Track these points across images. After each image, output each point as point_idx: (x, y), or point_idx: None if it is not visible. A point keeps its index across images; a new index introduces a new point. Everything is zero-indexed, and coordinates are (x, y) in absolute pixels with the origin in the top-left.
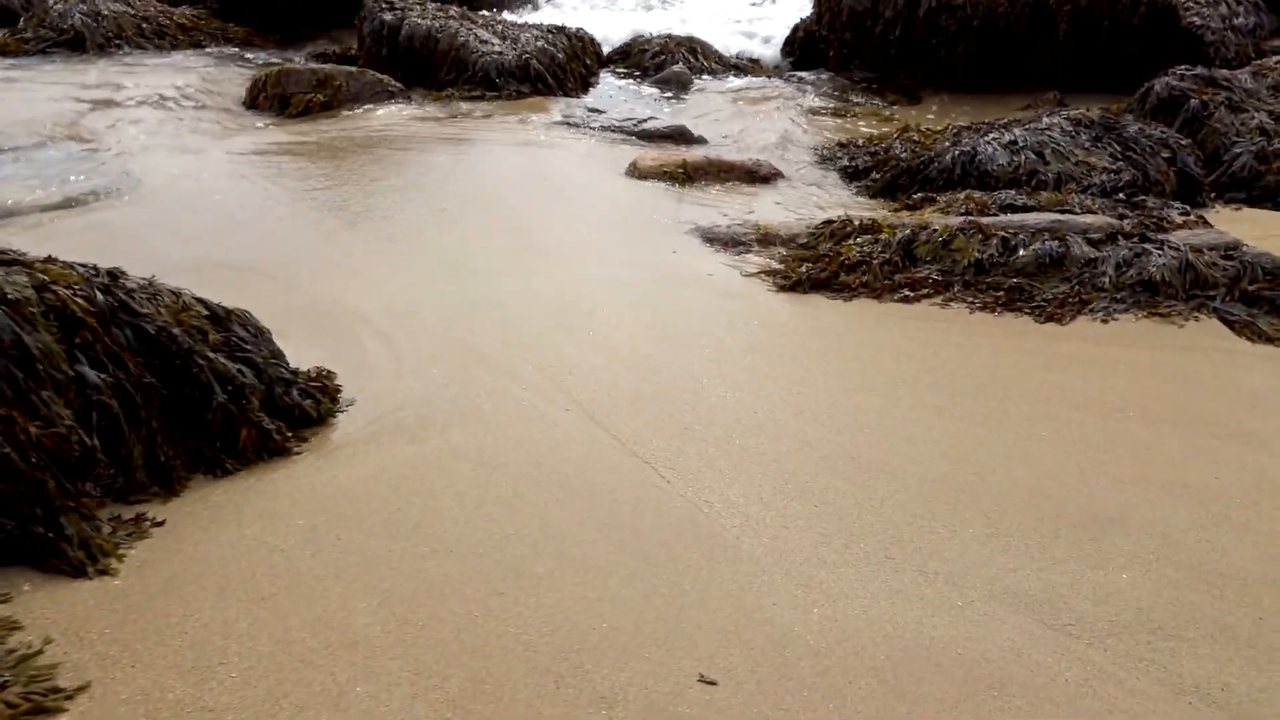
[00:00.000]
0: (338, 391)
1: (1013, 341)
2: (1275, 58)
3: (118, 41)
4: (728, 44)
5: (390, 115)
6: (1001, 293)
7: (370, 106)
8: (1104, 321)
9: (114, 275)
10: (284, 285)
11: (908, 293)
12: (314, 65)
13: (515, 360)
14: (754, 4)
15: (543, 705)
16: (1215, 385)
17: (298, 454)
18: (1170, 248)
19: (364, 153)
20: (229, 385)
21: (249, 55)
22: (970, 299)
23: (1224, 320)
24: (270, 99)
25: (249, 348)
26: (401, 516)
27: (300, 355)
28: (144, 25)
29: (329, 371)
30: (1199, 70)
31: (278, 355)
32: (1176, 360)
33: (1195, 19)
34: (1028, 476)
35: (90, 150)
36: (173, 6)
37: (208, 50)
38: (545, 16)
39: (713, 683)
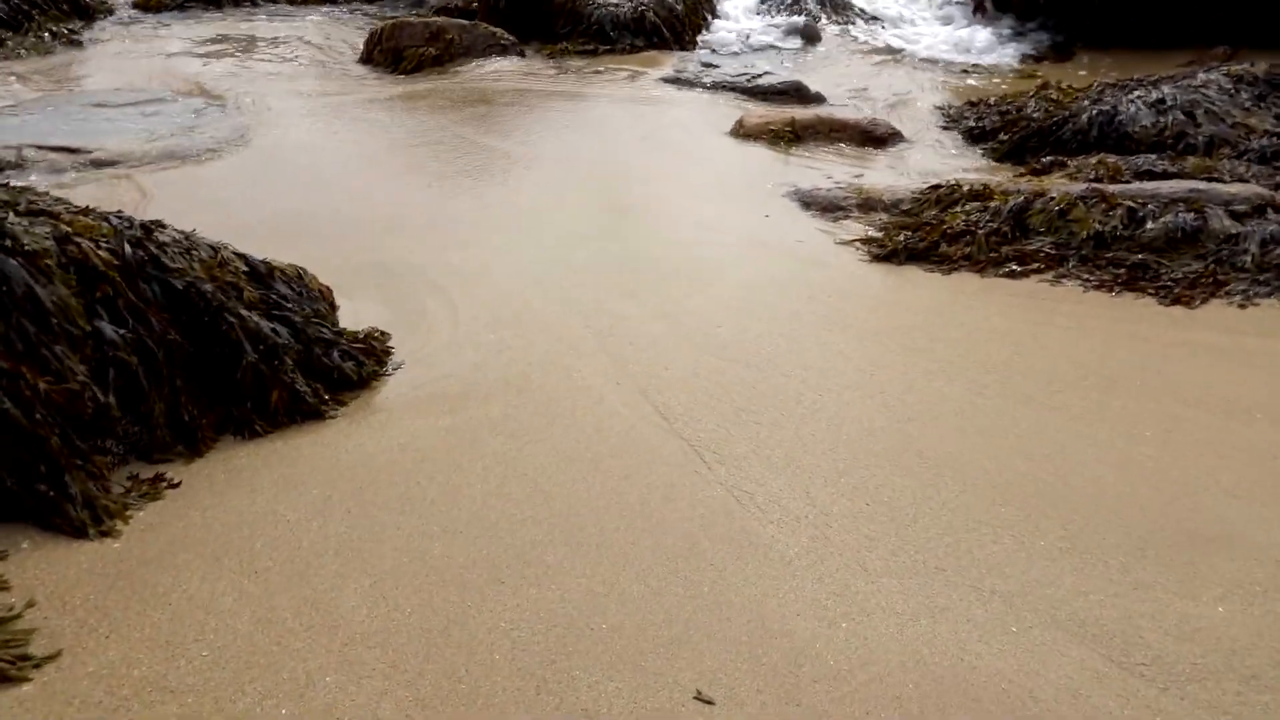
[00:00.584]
0: (387, 354)
1: (1128, 326)
2: None
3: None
4: None
5: (500, 70)
6: (1123, 270)
7: (482, 61)
8: (1241, 306)
9: (148, 229)
10: (363, 241)
11: (1015, 267)
12: (427, 18)
13: (576, 327)
14: None
15: (516, 713)
16: None
17: (332, 418)
18: None
19: (467, 108)
20: (260, 344)
21: (371, 9)
22: (1086, 276)
23: None
24: (385, 53)
25: (289, 306)
26: (419, 491)
27: (361, 314)
28: None
29: (381, 332)
30: None
31: (322, 315)
32: None
33: None
34: (1120, 482)
35: (210, 104)
36: None
37: (336, 5)
38: None
39: (709, 702)
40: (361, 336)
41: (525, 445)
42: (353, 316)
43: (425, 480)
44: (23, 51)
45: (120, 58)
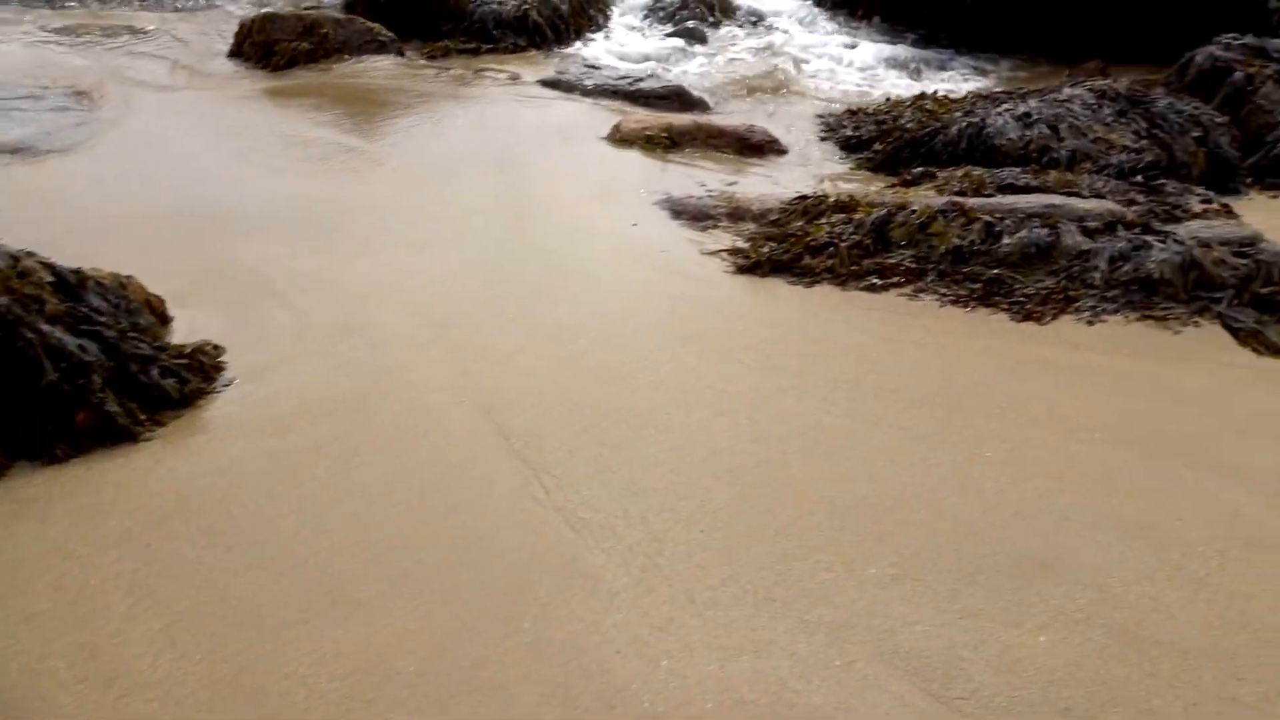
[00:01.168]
0: (218, 369)
1: (981, 342)
2: None
3: None
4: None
5: (377, 67)
6: (979, 284)
7: (358, 57)
8: (1089, 323)
9: None
10: (213, 247)
11: (875, 280)
12: (300, 11)
13: (426, 340)
14: None
15: None
16: (1204, 405)
17: (147, 440)
18: (1175, 241)
19: (338, 107)
20: (63, 362)
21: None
22: (944, 290)
23: (1228, 327)
24: (256, 46)
25: (102, 319)
26: (229, 522)
27: (198, 325)
28: None
29: (214, 346)
30: (1248, 39)
31: (142, 328)
32: (1165, 372)
33: None
34: (958, 505)
35: (64, 97)
36: None
37: None
38: None
39: None
40: (189, 351)
41: (353, 470)
42: (188, 328)
43: (238, 509)
44: None
45: None
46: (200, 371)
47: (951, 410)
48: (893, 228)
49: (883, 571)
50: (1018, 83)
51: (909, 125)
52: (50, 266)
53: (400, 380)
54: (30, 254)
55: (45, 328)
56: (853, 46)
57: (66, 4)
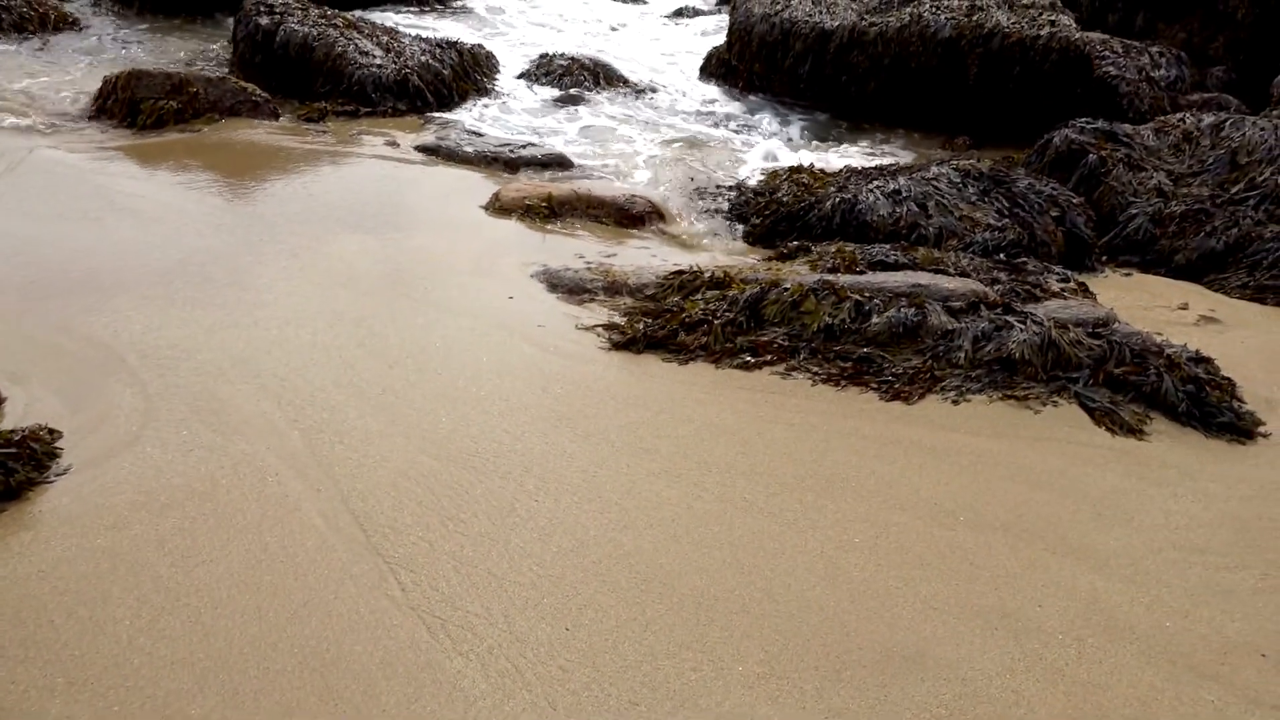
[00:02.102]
0: (53, 456)
1: (851, 422)
2: (1178, 114)
3: None
4: (644, 72)
5: (246, 129)
6: (849, 363)
7: (231, 118)
8: (955, 403)
9: None
10: (55, 318)
11: (748, 358)
12: (169, 69)
13: (282, 422)
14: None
15: None
16: (1062, 486)
17: None
18: (1034, 322)
19: (203, 170)
20: None
21: (117, 48)
22: (815, 369)
23: (1084, 407)
24: (120, 104)
25: None
26: (50, 632)
27: (35, 404)
28: (2, 14)
29: (50, 430)
30: (1100, 124)
31: None
32: (1025, 453)
33: (1110, 69)
34: (825, 596)
35: None
36: None
37: (66, 32)
38: (476, 27)
39: None
40: (18, 438)
41: (195, 568)
42: (23, 408)
43: (62, 617)
44: None
45: None
46: (32, 460)
47: (820, 494)
48: (766, 305)
49: (750, 670)
50: (892, 154)
51: (785, 199)
52: None
53: (252, 467)
54: None
55: None
56: (735, 117)
57: None
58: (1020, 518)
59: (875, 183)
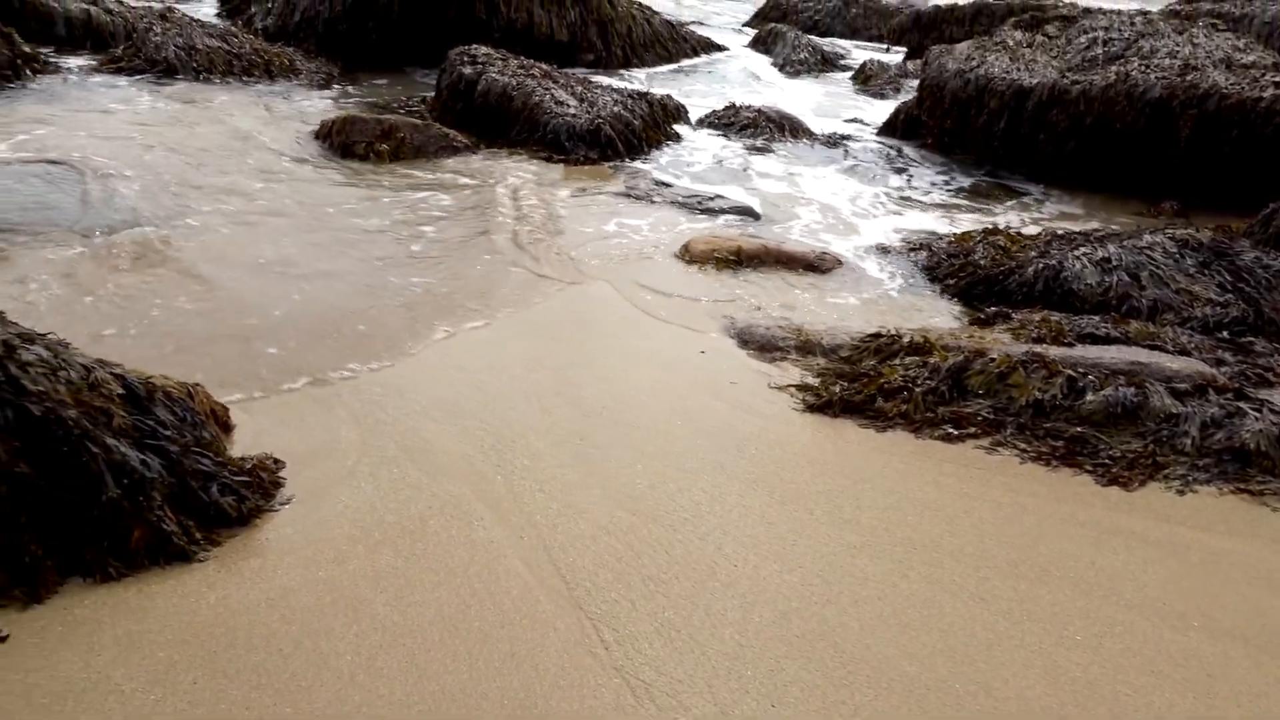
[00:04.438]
0: (277, 486)
1: (1066, 507)
2: None
3: (207, 74)
4: (827, 124)
5: (445, 172)
6: (1060, 442)
7: (434, 160)
8: (1179, 493)
9: (10, 346)
10: (288, 349)
11: (950, 430)
12: (380, 115)
13: (485, 466)
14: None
15: None
16: None
17: (201, 561)
18: (1271, 410)
19: (409, 211)
20: (125, 478)
21: (329, 95)
22: (1023, 445)
23: None
24: (335, 146)
25: (167, 433)
26: (280, 661)
27: (262, 434)
28: (234, 61)
29: (275, 460)
30: None
31: (205, 442)
32: (1264, 555)
33: None
34: (1045, 695)
35: (138, 179)
36: (271, 45)
37: (290, 83)
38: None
39: None
40: (249, 466)
41: (409, 608)
42: (251, 438)
43: (290, 647)
44: None
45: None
46: (260, 488)
47: (1035, 582)
48: (970, 375)
49: None
50: (1090, 218)
51: (982, 262)
52: (121, 378)
53: (458, 509)
54: (103, 363)
55: (111, 441)
56: (923, 173)
57: (168, 84)
58: (1262, 628)
59: (1082, 249)
